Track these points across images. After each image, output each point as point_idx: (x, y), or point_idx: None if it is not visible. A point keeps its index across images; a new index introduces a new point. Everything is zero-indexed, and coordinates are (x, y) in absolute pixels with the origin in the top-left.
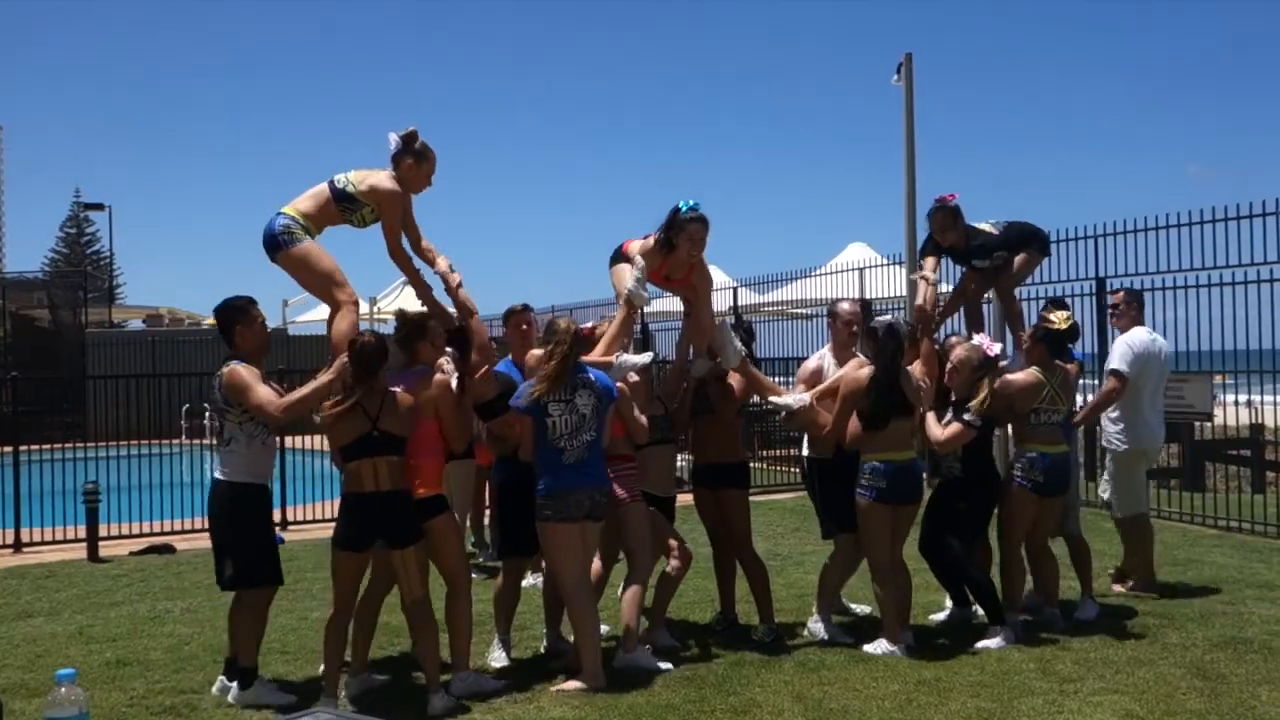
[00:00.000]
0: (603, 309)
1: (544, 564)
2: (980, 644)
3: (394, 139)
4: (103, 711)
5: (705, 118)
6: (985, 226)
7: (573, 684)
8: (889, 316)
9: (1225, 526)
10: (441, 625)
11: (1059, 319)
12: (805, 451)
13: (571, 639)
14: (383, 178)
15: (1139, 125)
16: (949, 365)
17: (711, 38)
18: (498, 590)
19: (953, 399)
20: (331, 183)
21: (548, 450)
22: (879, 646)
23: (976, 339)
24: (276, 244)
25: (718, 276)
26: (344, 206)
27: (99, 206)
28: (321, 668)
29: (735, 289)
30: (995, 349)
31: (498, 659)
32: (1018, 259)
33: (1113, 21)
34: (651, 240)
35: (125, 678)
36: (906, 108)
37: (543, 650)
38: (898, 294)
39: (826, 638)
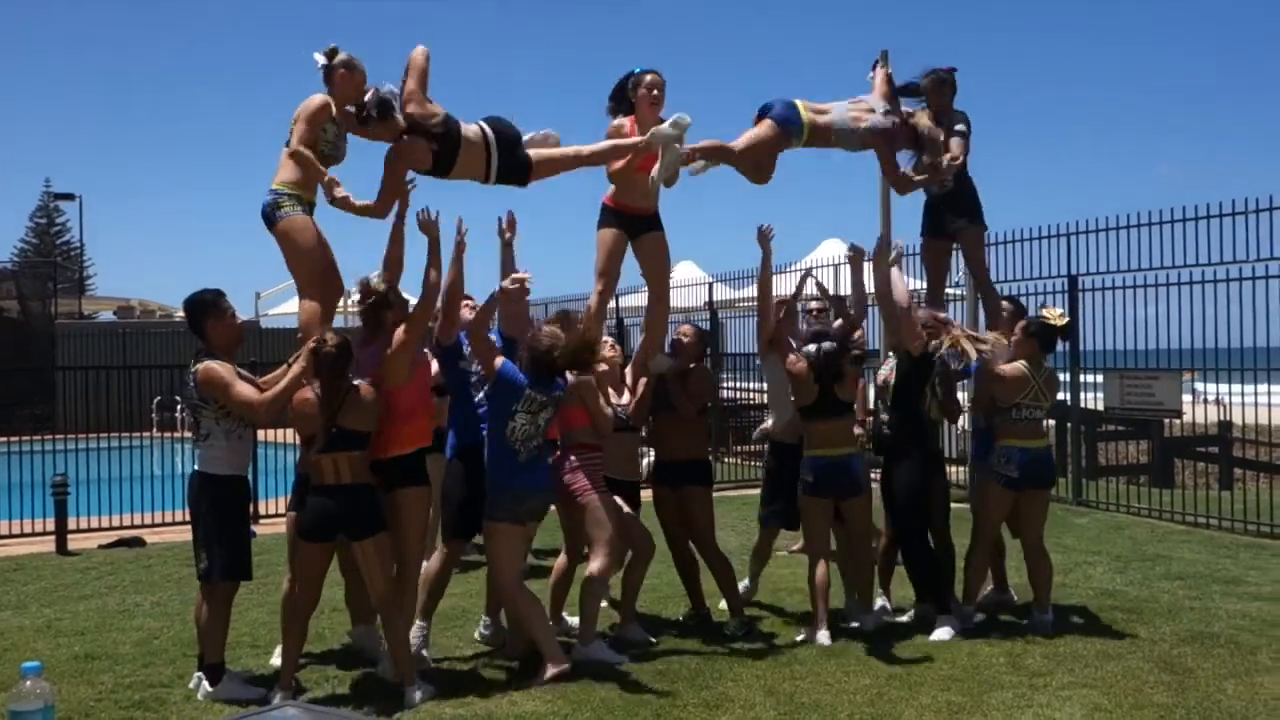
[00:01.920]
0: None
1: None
2: (932, 636)
3: (319, 58)
4: (71, 705)
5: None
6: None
7: (542, 676)
8: (815, 347)
9: (1193, 522)
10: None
11: (1053, 315)
12: (768, 424)
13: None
14: (307, 99)
15: (1111, 125)
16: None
17: (685, 30)
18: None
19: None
20: (287, 143)
21: (502, 450)
22: (818, 636)
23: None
24: (269, 219)
25: (692, 272)
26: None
27: (69, 196)
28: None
29: (710, 284)
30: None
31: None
32: (969, 234)
33: (1087, 24)
34: (615, 123)
35: (94, 671)
36: None
37: (478, 636)
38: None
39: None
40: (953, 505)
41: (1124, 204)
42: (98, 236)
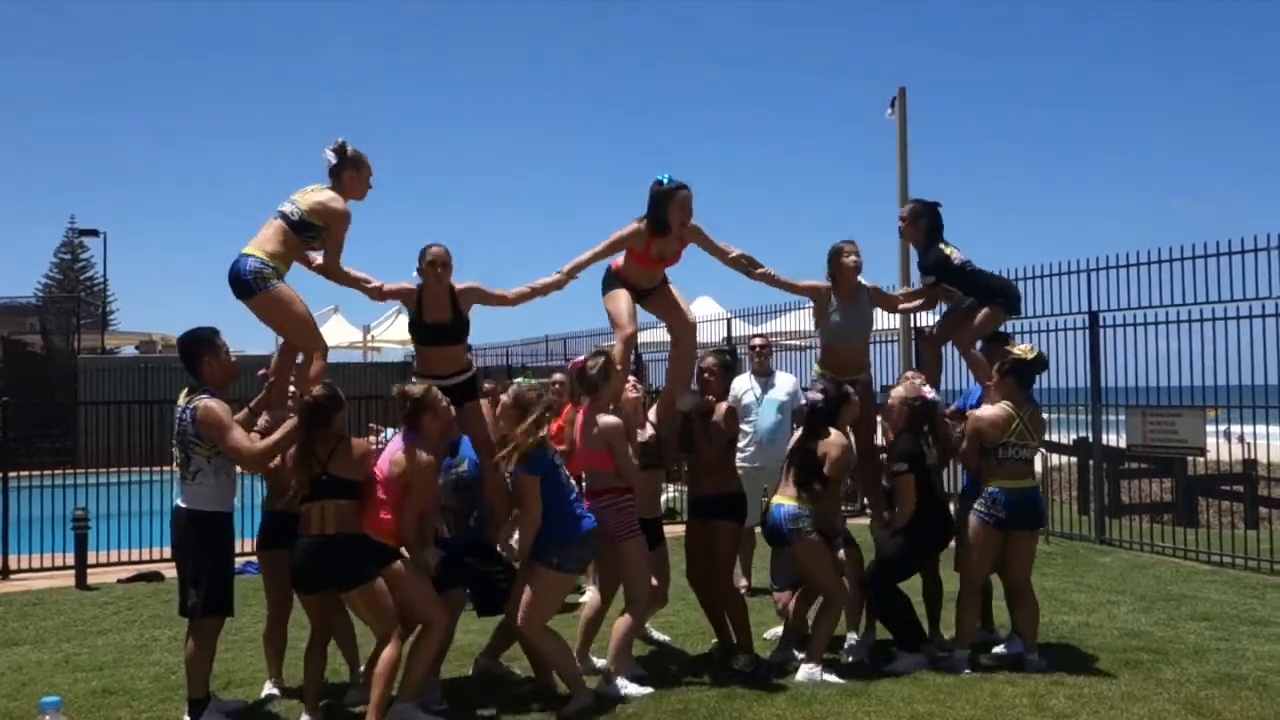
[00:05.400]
0: (597, 339)
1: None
2: (888, 666)
3: (330, 155)
4: None
5: (701, 145)
6: (951, 252)
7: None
8: (810, 395)
9: (1219, 562)
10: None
11: (1023, 350)
12: None
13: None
14: (330, 197)
15: (1127, 158)
16: (887, 405)
17: (713, 65)
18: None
19: (886, 448)
20: (285, 216)
21: (562, 498)
22: (805, 673)
23: (916, 381)
24: (249, 289)
25: (711, 308)
26: (306, 237)
27: (93, 233)
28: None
29: (729, 320)
30: (931, 393)
31: None
32: (981, 314)
33: (1104, 58)
34: (633, 227)
35: (111, 706)
36: (900, 140)
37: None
38: (892, 326)
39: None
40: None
41: (1140, 238)
42: (121, 272)
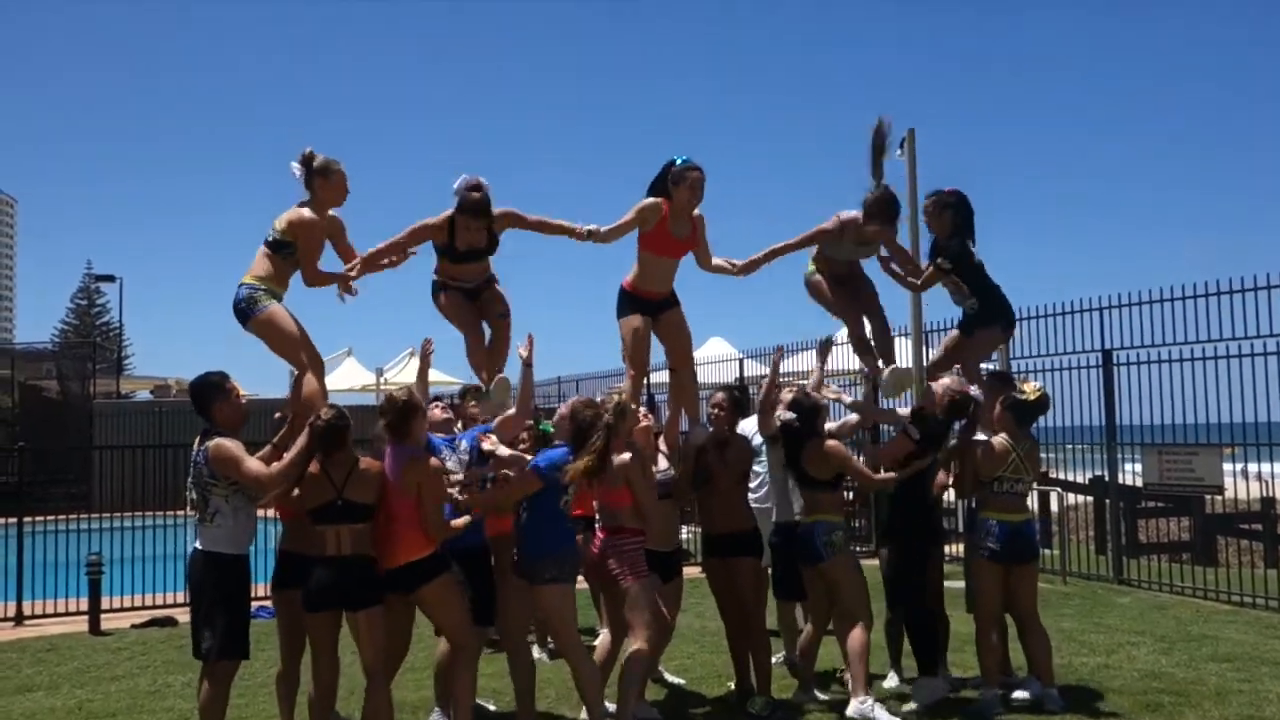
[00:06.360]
0: (610, 380)
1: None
2: (912, 699)
3: (296, 168)
4: None
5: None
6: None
7: None
8: (787, 414)
9: (1239, 602)
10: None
11: (1030, 390)
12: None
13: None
14: (294, 213)
15: (1137, 195)
16: (931, 388)
17: (722, 103)
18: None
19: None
20: (265, 240)
21: (556, 516)
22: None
23: (965, 381)
24: (244, 314)
25: (722, 348)
26: (284, 255)
27: (110, 278)
28: None
29: (740, 361)
30: (975, 390)
31: None
32: (981, 336)
33: (1113, 98)
34: (645, 204)
35: None
36: (910, 181)
37: None
38: (904, 366)
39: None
40: (947, 584)
41: (1153, 275)
42: (137, 317)
